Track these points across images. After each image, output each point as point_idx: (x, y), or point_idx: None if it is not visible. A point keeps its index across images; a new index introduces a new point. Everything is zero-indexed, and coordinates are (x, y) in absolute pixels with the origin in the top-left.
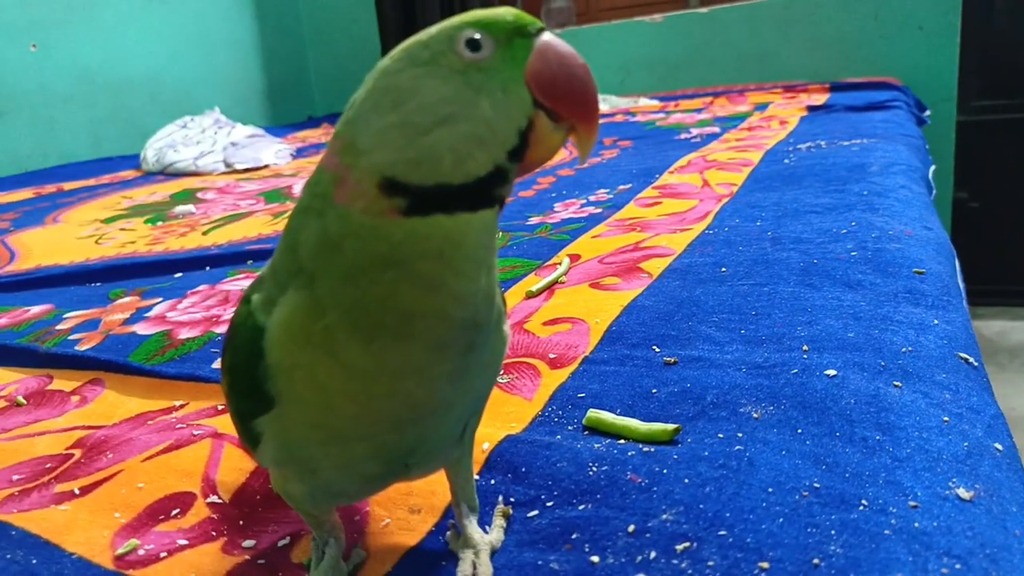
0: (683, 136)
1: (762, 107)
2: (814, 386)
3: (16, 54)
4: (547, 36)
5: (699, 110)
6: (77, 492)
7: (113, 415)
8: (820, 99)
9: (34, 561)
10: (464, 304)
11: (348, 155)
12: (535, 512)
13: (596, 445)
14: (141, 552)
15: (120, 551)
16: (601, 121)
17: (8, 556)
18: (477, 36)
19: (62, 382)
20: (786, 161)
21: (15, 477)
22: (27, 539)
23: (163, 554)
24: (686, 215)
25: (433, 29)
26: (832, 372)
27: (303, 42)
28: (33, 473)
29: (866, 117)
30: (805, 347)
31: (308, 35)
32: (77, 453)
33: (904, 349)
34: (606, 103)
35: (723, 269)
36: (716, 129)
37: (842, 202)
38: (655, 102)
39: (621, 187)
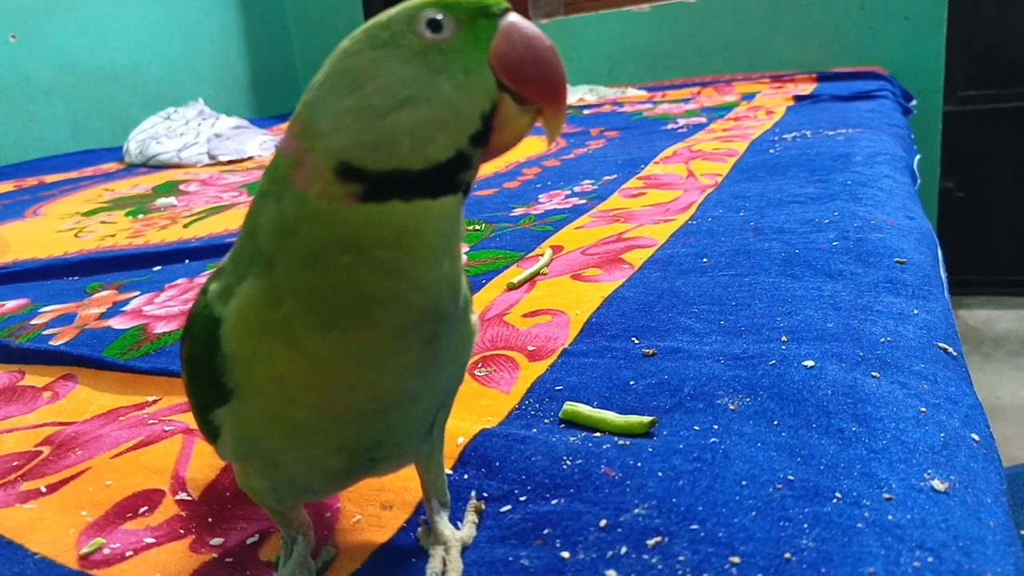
0: (669, 126)
1: (749, 97)
2: (791, 377)
3: None
4: (512, 17)
5: (686, 100)
6: (44, 490)
7: (85, 411)
8: (807, 89)
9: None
10: (425, 291)
11: (305, 138)
12: (507, 507)
13: (571, 438)
14: (106, 551)
15: (85, 550)
16: (588, 111)
17: None
18: (439, 16)
19: (34, 378)
20: (771, 151)
21: None
22: None
23: (129, 553)
24: (670, 206)
25: (394, 10)
26: (810, 363)
27: (288, 33)
28: (1, 471)
29: (852, 107)
30: (784, 338)
31: (293, 26)
32: (46, 450)
33: (883, 339)
34: (593, 93)
35: (705, 260)
36: (703, 119)
37: (825, 192)
38: (642, 92)
39: (606, 178)
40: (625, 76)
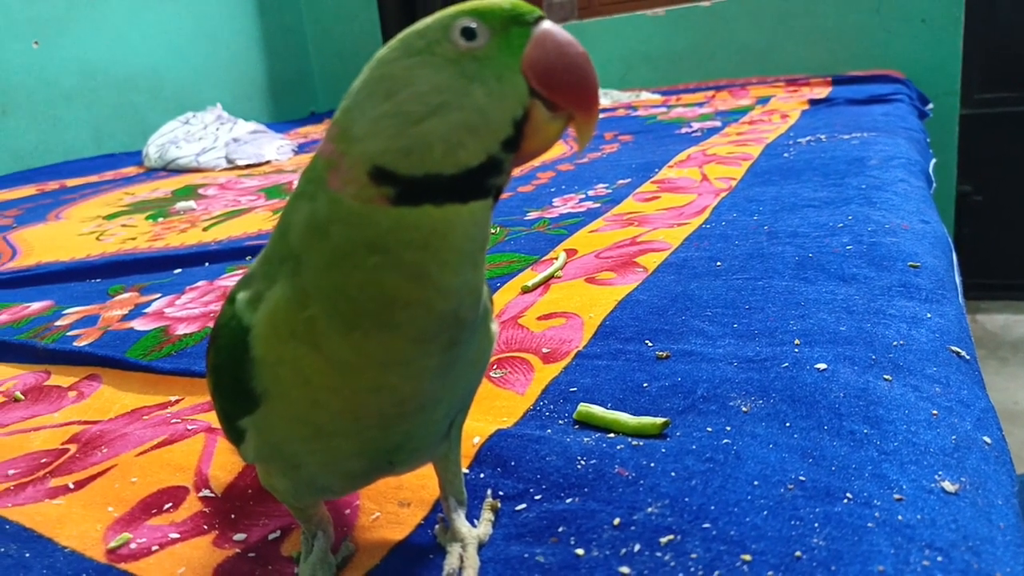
0: (684, 130)
1: (764, 101)
2: (804, 380)
3: (19, 51)
4: (546, 24)
5: (700, 104)
6: (71, 486)
7: (109, 410)
8: (822, 92)
9: (27, 555)
10: (448, 296)
11: (342, 142)
12: (523, 506)
13: (585, 439)
14: (133, 546)
15: (112, 544)
16: (602, 116)
17: (1, 550)
18: (472, 25)
19: (60, 378)
20: (786, 155)
21: (11, 472)
22: (21, 533)
23: (155, 547)
24: (684, 209)
25: (430, 18)
26: (823, 366)
27: (305, 38)
28: (28, 468)
29: (867, 110)
30: (797, 341)
31: (310, 31)
32: (72, 448)
33: (896, 343)
34: (607, 97)
35: (718, 263)
36: (717, 123)
37: (840, 196)
38: (657, 96)
39: (620, 181)
40: (639, 80)
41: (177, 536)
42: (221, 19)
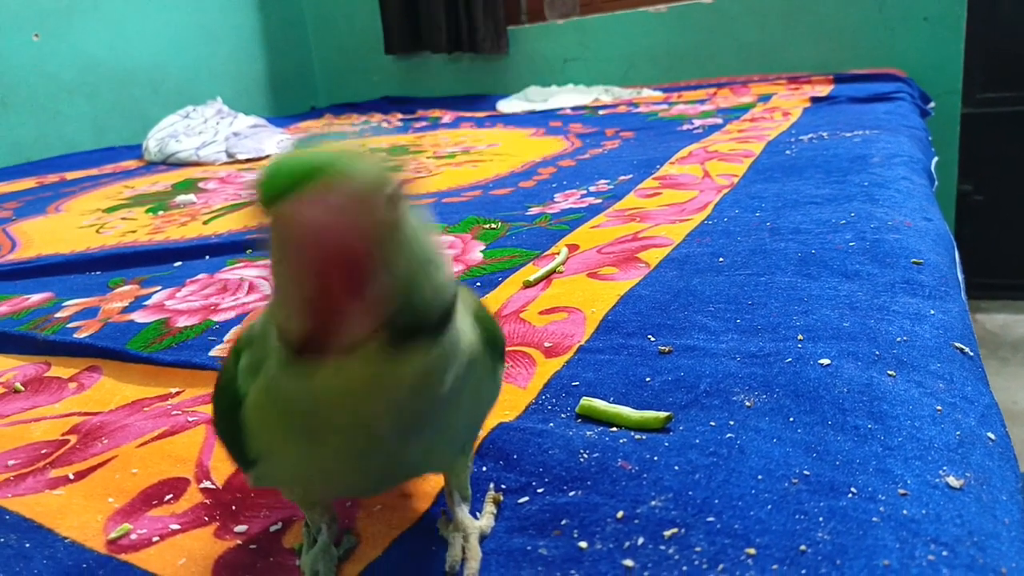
0: (685, 127)
1: (765, 98)
2: (807, 375)
3: (19, 44)
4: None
5: (702, 101)
6: (72, 477)
7: (110, 401)
8: (824, 91)
9: (27, 545)
10: (385, 427)
11: None
12: (526, 498)
13: (588, 433)
14: (133, 536)
15: (113, 535)
16: (603, 112)
17: (1, 540)
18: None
19: (60, 369)
20: (788, 152)
21: (11, 462)
22: (21, 523)
23: (155, 538)
24: (686, 206)
25: None
26: (826, 361)
27: (306, 33)
28: (29, 458)
29: (869, 108)
30: (800, 336)
31: (311, 25)
32: (73, 439)
33: (899, 339)
34: (608, 94)
35: (721, 259)
36: (719, 120)
37: (842, 193)
38: (658, 93)
39: (622, 177)
40: (641, 77)
41: (178, 527)
42: (222, 13)
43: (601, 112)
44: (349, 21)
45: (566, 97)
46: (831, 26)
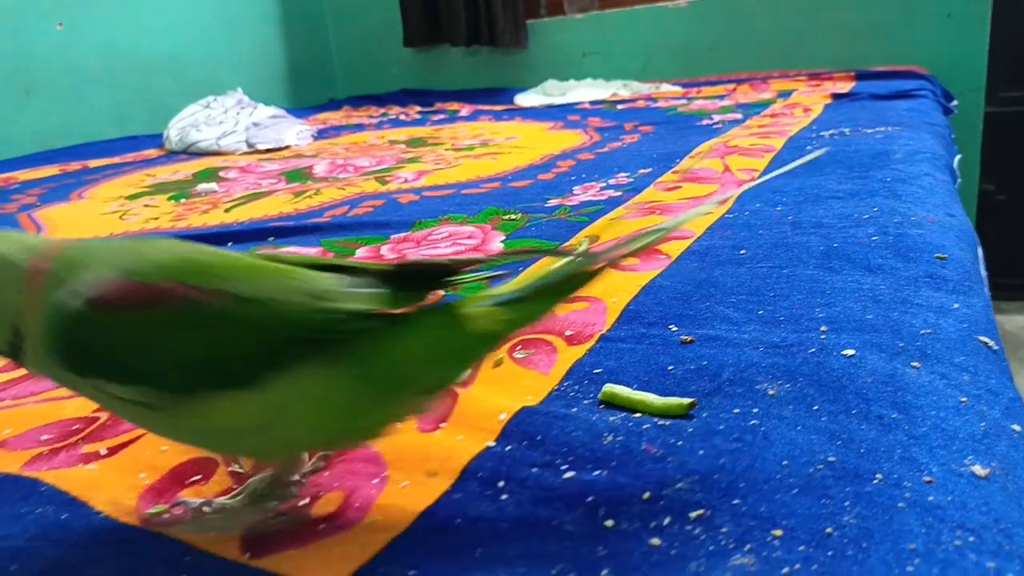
0: (705, 122)
1: (786, 94)
2: (831, 365)
3: (43, 33)
4: None
5: (721, 96)
6: (103, 452)
7: None
8: (845, 87)
9: (64, 516)
10: None
11: None
12: (550, 476)
13: (611, 418)
14: (166, 516)
15: (149, 512)
16: (622, 106)
17: (39, 511)
18: None
19: None
20: (809, 148)
21: (44, 437)
22: (56, 495)
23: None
24: (706, 199)
25: None
26: (850, 352)
27: (325, 23)
28: (61, 434)
29: (891, 105)
30: (823, 328)
31: (330, 16)
32: (103, 416)
33: (923, 331)
34: (627, 88)
35: (742, 252)
36: (738, 116)
37: (864, 188)
38: (677, 88)
39: (641, 171)
40: (659, 72)
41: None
42: (242, 4)
43: (619, 106)
44: (368, 13)
45: (584, 91)
46: (852, 22)
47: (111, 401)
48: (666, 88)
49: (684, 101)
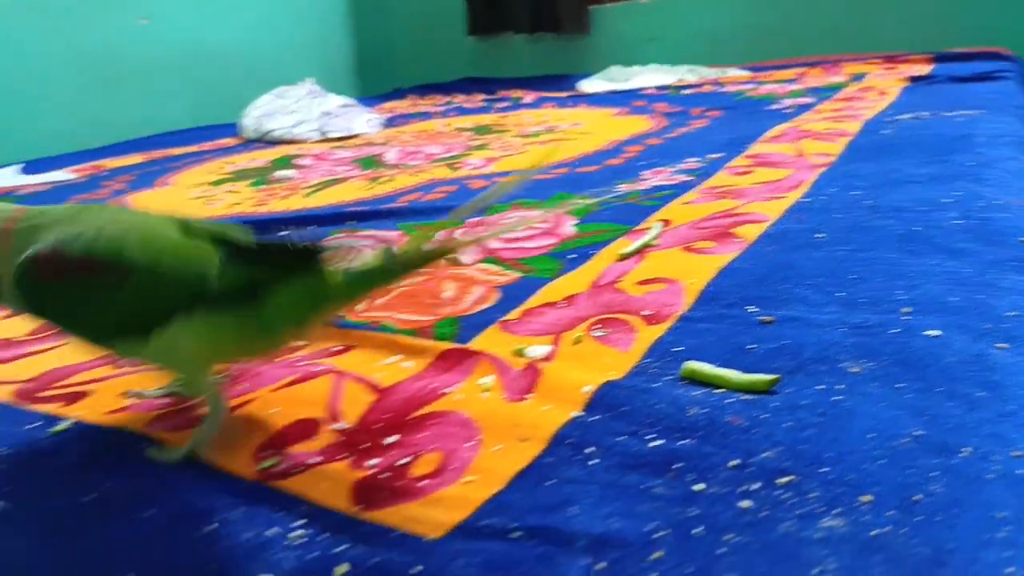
0: (774, 107)
1: (859, 77)
2: (915, 345)
3: (128, 28)
4: None
5: (791, 80)
6: None
7: None
8: (923, 70)
9: (189, 471)
10: None
11: None
12: (637, 444)
13: (694, 392)
14: (280, 467)
15: (263, 465)
16: (688, 91)
17: (163, 467)
18: None
19: None
20: (885, 132)
21: (162, 401)
22: None
23: (299, 469)
24: (780, 183)
25: None
26: (934, 332)
27: (390, 13)
28: (178, 398)
29: (972, 88)
30: (905, 309)
31: (395, 6)
32: None
33: (1009, 314)
34: (693, 73)
35: (819, 235)
36: (810, 100)
37: (945, 172)
38: (744, 72)
39: (711, 156)
40: (725, 56)
41: (318, 460)
42: None
43: (685, 92)
44: (432, 2)
45: (649, 77)
46: (930, 1)
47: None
48: (733, 72)
49: (752, 85)
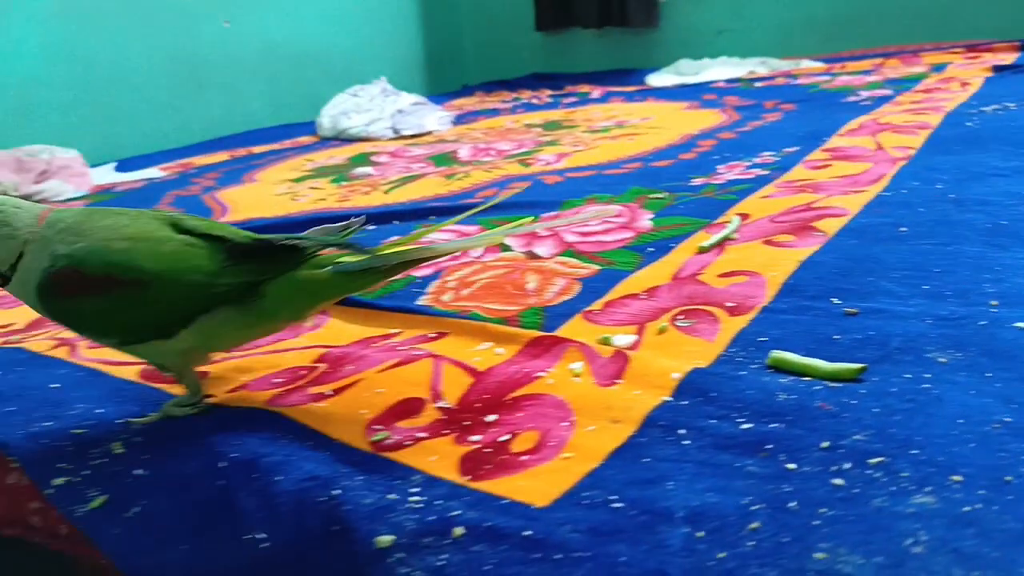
0: (851, 99)
1: (939, 68)
2: (1004, 336)
3: (212, 30)
4: None
5: (868, 72)
6: (329, 393)
7: (344, 338)
8: (1008, 58)
9: (309, 443)
10: None
11: None
12: (728, 426)
13: (781, 380)
14: (390, 441)
15: (375, 438)
16: (760, 84)
17: (288, 437)
18: None
19: None
20: (969, 124)
21: (276, 380)
22: (296, 427)
23: (408, 442)
24: (859, 177)
25: None
26: (1023, 324)
27: (459, 11)
28: (290, 378)
29: None
30: (993, 302)
31: (463, 3)
32: (322, 366)
33: None
34: (764, 66)
35: (902, 229)
36: (888, 91)
37: None
38: (819, 64)
39: (787, 149)
40: (798, 47)
41: (424, 435)
42: None
43: (757, 84)
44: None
45: (719, 70)
46: None
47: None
48: (806, 64)
49: (827, 77)
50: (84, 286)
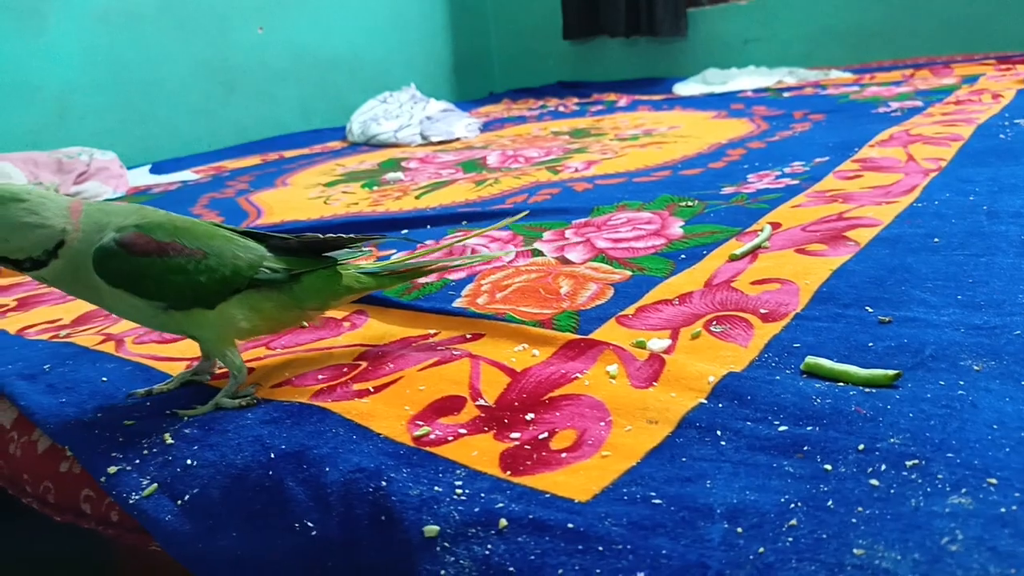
0: (881, 110)
1: (971, 80)
2: None
3: (246, 36)
4: None
5: (898, 83)
6: (372, 390)
7: (383, 337)
8: None
9: (354, 437)
10: None
11: None
12: (764, 428)
13: (817, 385)
14: (432, 436)
15: (417, 433)
16: (788, 94)
17: (333, 431)
18: None
19: (332, 312)
20: (1002, 136)
21: (320, 376)
22: (342, 421)
23: (450, 438)
24: (891, 188)
25: None
26: None
27: (486, 19)
28: (333, 375)
29: None
30: None
31: (491, 12)
32: (364, 363)
33: None
34: (793, 76)
35: (936, 240)
36: (918, 103)
37: None
38: (848, 74)
39: (817, 160)
40: (827, 58)
41: (465, 432)
42: (413, 4)
43: (786, 94)
44: (528, 8)
45: (747, 79)
46: None
47: (123, 306)
48: (836, 75)
49: (856, 88)
50: (149, 249)
